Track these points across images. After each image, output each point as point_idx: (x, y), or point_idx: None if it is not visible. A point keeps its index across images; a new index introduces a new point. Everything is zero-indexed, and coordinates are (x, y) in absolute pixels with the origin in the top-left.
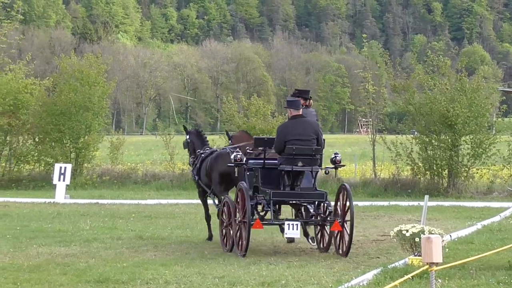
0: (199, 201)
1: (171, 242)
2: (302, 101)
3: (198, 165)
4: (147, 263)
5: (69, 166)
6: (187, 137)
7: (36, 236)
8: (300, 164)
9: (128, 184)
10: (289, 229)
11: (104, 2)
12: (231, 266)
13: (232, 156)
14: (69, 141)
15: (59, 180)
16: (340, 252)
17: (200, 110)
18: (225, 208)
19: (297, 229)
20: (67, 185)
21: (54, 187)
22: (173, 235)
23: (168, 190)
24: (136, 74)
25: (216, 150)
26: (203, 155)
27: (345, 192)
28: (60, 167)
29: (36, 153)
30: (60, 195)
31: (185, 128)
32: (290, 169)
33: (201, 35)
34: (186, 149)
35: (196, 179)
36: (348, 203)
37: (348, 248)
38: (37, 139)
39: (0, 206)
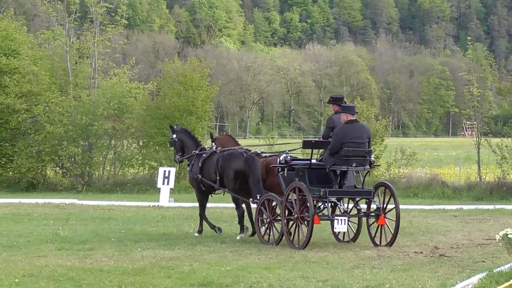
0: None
1: (274, 246)
2: (336, 108)
3: (200, 164)
4: (251, 266)
5: (173, 170)
6: (174, 136)
7: (140, 239)
8: (354, 164)
9: None
10: (338, 224)
11: (207, 6)
12: (334, 269)
13: (281, 158)
14: None
15: (163, 183)
16: (385, 243)
17: (303, 113)
18: (266, 204)
19: (344, 224)
20: (171, 189)
21: (158, 190)
22: None
23: None
24: (239, 77)
25: (215, 151)
26: (204, 154)
27: (388, 190)
28: (164, 171)
29: (140, 157)
30: (164, 198)
31: (171, 127)
32: (346, 169)
33: (304, 39)
34: (172, 147)
35: (200, 177)
36: (391, 199)
37: (394, 240)
38: (141, 143)
39: (105, 209)
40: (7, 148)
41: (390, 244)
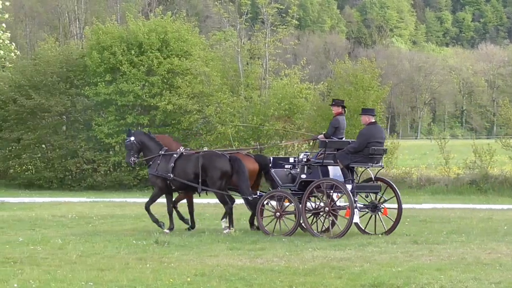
0: (475, 205)
1: (446, 247)
2: (340, 109)
3: (172, 164)
4: (422, 267)
5: None
6: (132, 138)
7: (311, 239)
8: (375, 162)
9: (403, 188)
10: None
11: (378, 6)
12: (508, 271)
13: (301, 156)
14: None
15: None
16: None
17: (476, 114)
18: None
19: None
20: None
21: None
22: (448, 240)
23: (443, 195)
24: (411, 78)
25: (184, 150)
26: (174, 155)
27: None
28: None
29: None
30: None
31: (129, 131)
32: (368, 166)
33: (476, 38)
34: (129, 150)
35: (171, 176)
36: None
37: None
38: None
39: None
40: None
41: (389, 232)
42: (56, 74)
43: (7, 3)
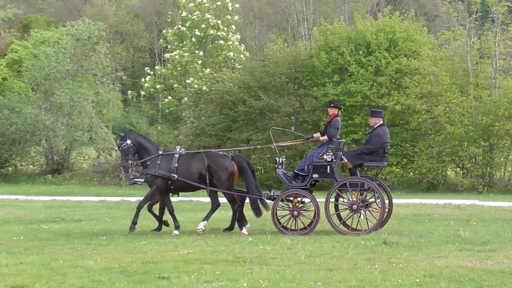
0: None
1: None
2: (337, 111)
3: (176, 164)
4: None
5: None
6: (128, 141)
7: None
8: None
9: None
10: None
11: None
12: None
13: (325, 157)
14: None
15: None
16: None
17: None
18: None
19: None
20: None
21: None
22: None
23: None
24: None
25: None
26: (176, 155)
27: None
28: None
29: None
30: None
31: (124, 134)
32: (384, 165)
33: None
34: (126, 154)
35: (175, 177)
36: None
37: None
38: None
39: (506, 210)
40: (407, 149)
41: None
42: (284, 75)
43: (237, 5)
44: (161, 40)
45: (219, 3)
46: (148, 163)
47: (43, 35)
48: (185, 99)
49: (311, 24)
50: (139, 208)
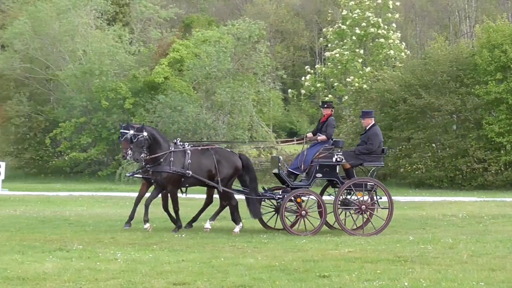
0: None
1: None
2: (330, 111)
3: (189, 160)
4: None
5: None
6: (145, 133)
7: None
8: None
9: None
10: None
11: None
12: None
13: (335, 158)
14: None
15: None
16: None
17: None
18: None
19: None
20: None
21: None
22: None
23: None
24: None
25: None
26: (188, 151)
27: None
28: None
29: None
30: None
31: (142, 125)
32: (382, 165)
33: None
34: (141, 147)
35: (190, 174)
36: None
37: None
38: None
39: None
40: None
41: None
42: (446, 73)
43: (398, 3)
44: (321, 38)
45: (379, 1)
46: (161, 160)
47: (204, 34)
48: (346, 97)
49: (473, 22)
50: (176, 212)
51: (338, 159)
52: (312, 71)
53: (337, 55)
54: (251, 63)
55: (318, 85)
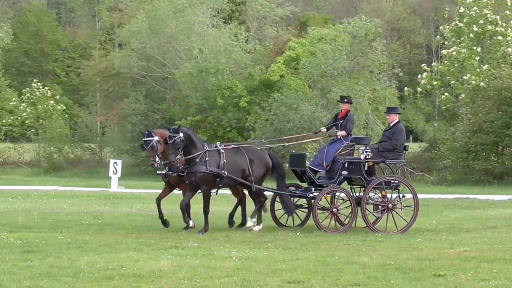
0: None
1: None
2: (348, 106)
3: (224, 160)
4: None
5: None
6: (181, 135)
7: None
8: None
9: None
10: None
11: None
12: None
13: (364, 156)
14: None
15: None
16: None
17: None
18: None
19: None
20: None
21: None
22: None
23: None
24: None
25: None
26: (222, 151)
27: None
28: None
29: None
30: None
31: (177, 127)
32: (404, 163)
33: None
34: (177, 149)
35: (225, 174)
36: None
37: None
38: None
39: None
40: None
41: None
42: None
43: None
44: (438, 36)
45: None
46: (197, 160)
47: (320, 32)
48: (462, 95)
49: None
50: (206, 214)
51: (367, 157)
52: (428, 69)
53: (454, 53)
54: (367, 61)
55: (435, 83)
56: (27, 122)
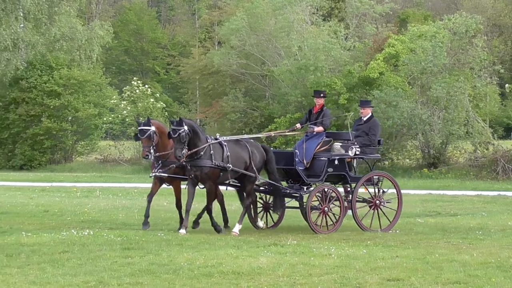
0: None
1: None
2: (322, 101)
3: (228, 153)
4: None
5: None
6: (186, 128)
7: None
8: None
9: None
10: None
11: None
12: None
13: (354, 150)
14: None
15: None
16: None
17: None
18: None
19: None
20: None
21: None
22: None
23: None
24: None
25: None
26: (225, 143)
27: None
28: None
29: None
30: None
31: (180, 119)
32: (379, 158)
33: None
34: (183, 142)
35: (231, 167)
36: None
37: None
38: None
39: None
40: None
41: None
42: None
43: None
44: None
45: None
46: (202, 153)
47: (420, 29)
48: None
49: None
50: (208, 213)
51: (356, 153)
52: None
53: None
54: (467, 58)
55: None
56: (127, 120)
